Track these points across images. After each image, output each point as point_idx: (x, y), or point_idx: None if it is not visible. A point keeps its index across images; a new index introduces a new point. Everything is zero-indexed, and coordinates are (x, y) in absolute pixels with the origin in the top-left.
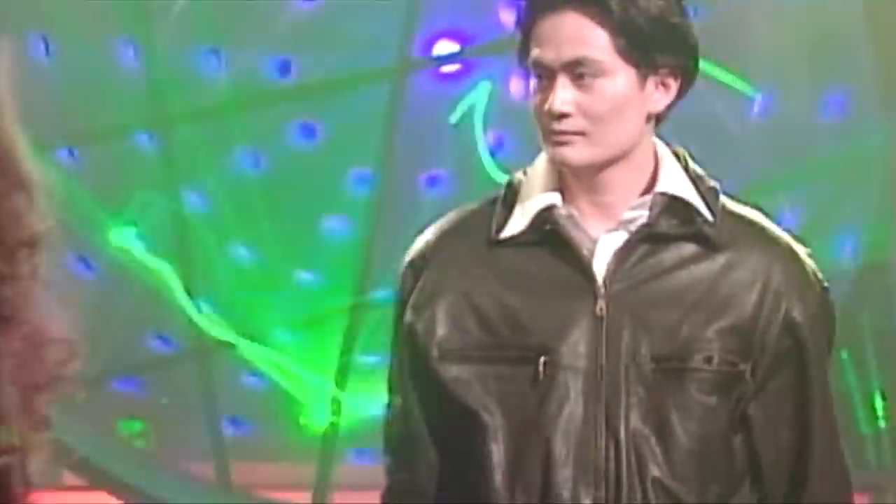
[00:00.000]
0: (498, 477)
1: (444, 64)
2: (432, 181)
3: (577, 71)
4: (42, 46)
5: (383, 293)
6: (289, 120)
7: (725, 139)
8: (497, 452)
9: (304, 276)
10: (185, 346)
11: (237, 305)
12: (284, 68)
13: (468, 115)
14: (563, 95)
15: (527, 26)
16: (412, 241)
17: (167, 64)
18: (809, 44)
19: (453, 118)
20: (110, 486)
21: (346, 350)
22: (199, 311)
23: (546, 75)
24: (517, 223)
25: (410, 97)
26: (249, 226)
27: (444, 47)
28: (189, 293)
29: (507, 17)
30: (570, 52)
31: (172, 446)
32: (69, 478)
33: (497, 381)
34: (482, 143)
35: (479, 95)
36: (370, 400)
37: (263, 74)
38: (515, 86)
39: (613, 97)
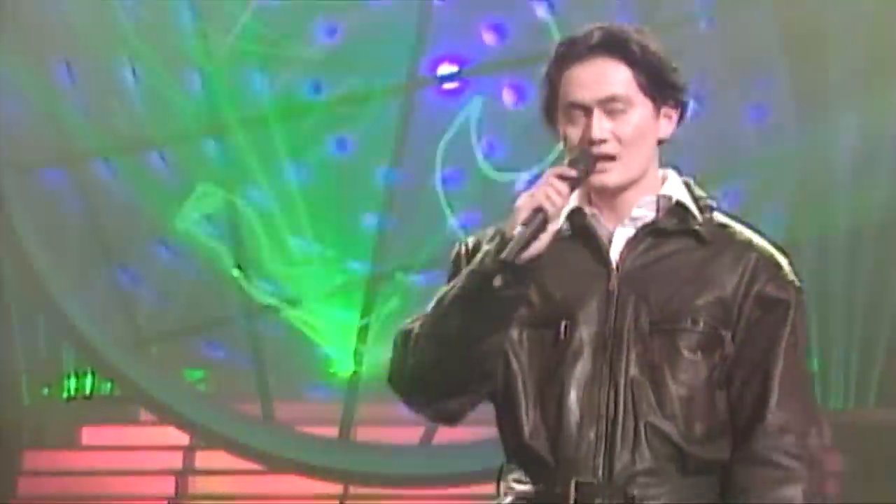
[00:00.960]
0: (523, 410)
1: (445, 82)
2: (443, 179)
3: (609, 106)
4: (130, 70)
5: (394, 268)
6: (324, 133)
7: (674, 143)
8: (523, 393)
9: (329, 252)
10: (236, 309)
11: (279, 277)
12: (317, 87)
13: (465, 123)
14: (602, 125)
15: (556, 77)
16: (422, 225)
17: (223, 82)
18: (736, 65)
19: (449, 132)
20: (177, 421)
21: (365, 313)
22: (248, 281)
23: (583, 113)
24: (561, 220)
25: (419, 109)
26: (289, 214)
27: (445, 68)
28: (240, 267)
29: (491, 39)
30: (604, 91)
31: (227, 390)
32: (144, 414)
33: (528, 340)
34: (477, 147)
35: (473, 108)
36: (385, 353)
37: (300, 92)
38: (507, 96)
39: (638, 125)
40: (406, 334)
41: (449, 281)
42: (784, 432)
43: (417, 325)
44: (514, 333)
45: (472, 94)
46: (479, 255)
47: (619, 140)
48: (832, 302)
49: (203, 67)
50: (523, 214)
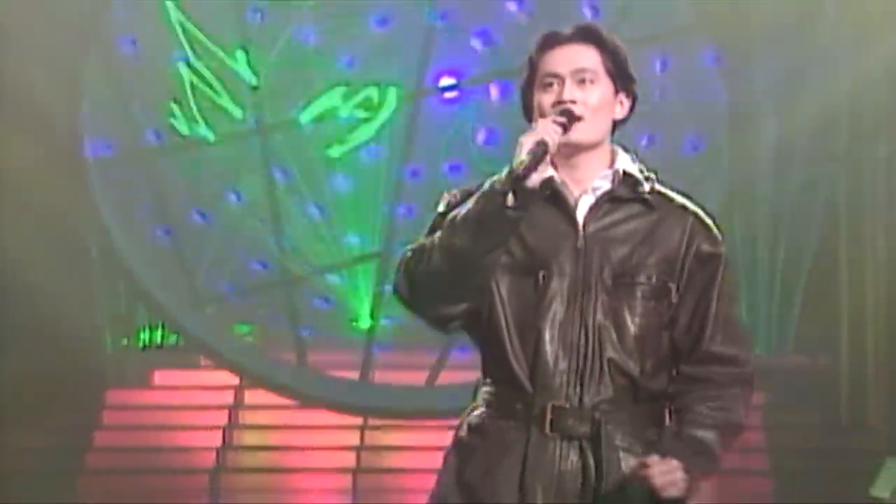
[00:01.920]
0: (507, 344)
1: (446, 91)
2: (452, 168)
3: (579, 76)
4: (189, 83)
5: (403, 244)
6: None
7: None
8: (505, 329)
9: (352, 238)
10: (275, 276)
11: (311, 252)
12: (343, 97)
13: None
14: (572, 91)
15: (537, 58)
16: (428, 207)
17: (266, 93)
18: (675, 99)
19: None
20: (229, 366)
21: (379, 280)
22: (285, 253)
23: (557, 82)
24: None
25: (424, 115)
26: (319, 200)
27: (445, 80)
28: (280, 243)
29: (479, 46)
30: (575, 63)
31: (269, 341)
32: (203, 361)
33: (510, 285)
34: (474, 143)
35: (470, 112)
36: (395, 313)
37: (333, 108)
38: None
39: (601, 97)
40: (418, 248)
41: (432, 227)
42: (717, 358)
43: (429, 241)
44: (499, 279)
45: (467, 100)
46: (487, 183)
47: (586, 105)
48: (759, 267)
49: (249, 81)
50: (529, 145)
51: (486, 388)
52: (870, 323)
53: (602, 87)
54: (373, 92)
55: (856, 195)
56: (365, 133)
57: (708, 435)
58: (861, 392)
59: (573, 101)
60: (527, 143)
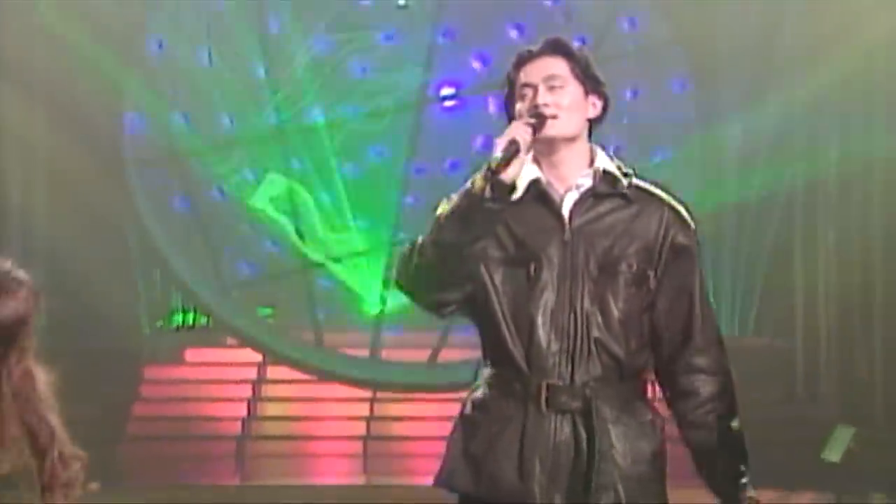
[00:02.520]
0: (503, 329)
1: (446, 100)
2: (453, 166)
3: (550, 83)
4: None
5: (409, 235)
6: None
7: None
8: (502, 315)
9: (362, 223)
10: (295, 265)
11: (326, 241)
12: (356, 109)
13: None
14: (543, 95)
15: (514, 74)
16: (431, 200)
17: (289, 104)
18: (649, 114)
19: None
20: (253, 345)
21: (388, 267)
22: (304, 244)
23: (532, 91)
24: (520, 190)
25: (427, 121)
26: (334, 196)
27: (446, 90)
28: (298, 234)
29: (478, 66)
30: (546, 72)
31: (289, 322)
32: (230, 340)
33: (504, 276)
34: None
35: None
36: (401, 297)
37: (343, 110)
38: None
39: (571, 99)
40: (414, 244)
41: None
42: (707, 348)
43: (421, 238)
44: (493, 271)
45: (466, 109)
46: (469, 181)
47: (558, 106)
48: (724, 259)
49: (274, 95)
50: (503, 145)
51: (486, 370)
52: (822, 307)
53: (572, 91)
54: (382, 99)
55: (810, 195)
56: (375, 134)
57: (738, 459)
58: (814, 369)
59: (545, 105)
60: (500, 143)
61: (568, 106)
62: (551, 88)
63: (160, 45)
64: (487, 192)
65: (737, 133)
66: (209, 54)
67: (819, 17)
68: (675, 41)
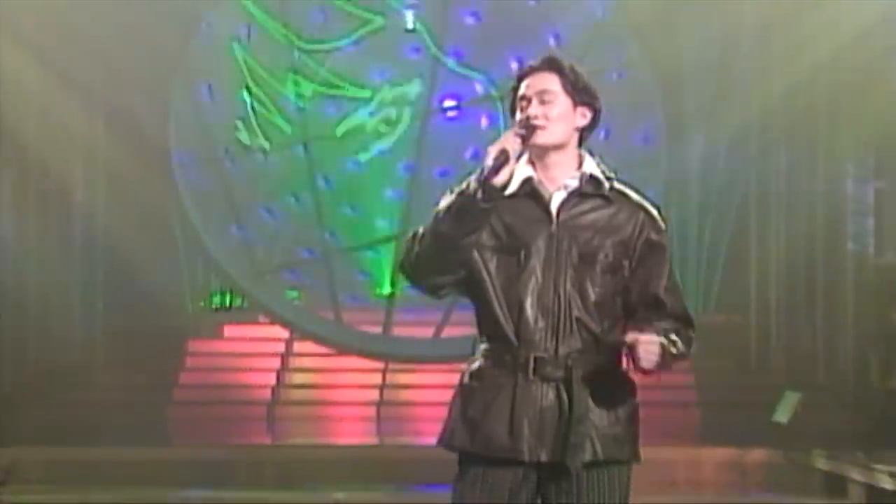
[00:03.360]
0: (496, 308)
1: (448, 111)
2: (443, 171)
3: (542, 97)
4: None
5: (413, 226)
6: (371, 142)
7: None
8: (495, 296)
9: (376, 222)
10: (318, 253)
11: (344, 232)
12: (371, 114)
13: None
14: (535, 108)
15: (517, 85)
16: (434, 198)
17: (310, 110)
18: (625, 103)
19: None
20: (282, 322)
21: (396, 255)
22: (324, 234)
23: (527, 102)
24: (514, 186)
25: (431, 129)
26: (349, 193)
27: (448, 103)
28: (319, 227)
29: (480, 87)
30: (539, 87)
31: (312, 303)
32: (262, 318)
33: (497, 262)
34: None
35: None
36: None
37: (357, 117)
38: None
39: (560, 111)
40: (415, 234)
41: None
42: (675, 311)
43: (422, 228)
44: (488, 258)
45: (466, 120)
46: (464, 183)
47: (547, 117)
48: (689, 246)
49: (297, 103)
50: (494, 154)
51: (482, 345)
52: (772, 290)
53: (560, 103)
54: (392, 111)
55: (763, 191)
56: (386, 142)
57: (674, 337)
58: (765, 342)
59: (535, 116)
60: (492, 151)
61: (555, 117)
62: (543, 101)
63: (201, 70)
64: (479, 195)
65: (699, 139)
66: (242, 75)
67: (770, 42)
68: (649, 62)
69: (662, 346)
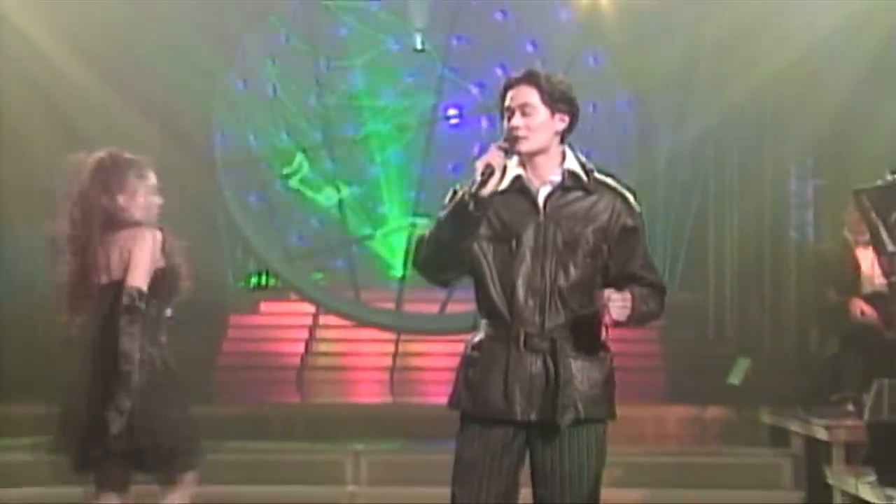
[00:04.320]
0: (491, 289)
1: (451, 119)
2: (450, 169)
3: (524, 109)
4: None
5: (425, 218)
6: (386, 145)
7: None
8: (491, 279)
9: (390, 213)
10: (340, 240)
11: (363, 222)
12: (384, 121)
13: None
14: (517, 119)
15: (503, 94)
16: (440, 193)
17: (333, 119)
18: (603, 123)
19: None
20: (309, 300)
21: (408, 242)
22: (346, 224)
23: (511, 113)
24: (506, 182)
25: (437, 134)
26: (368, 189)
27: (451, 111)
28: (344, 218)
29: (478, 96)
30: (520, 100)
31: (335, 283)
32: (293, 296)
33: (492, 249)
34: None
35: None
36: None
37: (378, 128)
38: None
39: (539, 121)
40: (422, 237)
41: (448, 202)
42: (650, 283)
43: (427, 232)
44: (486, 247)
45: (468, 126)
46: (459, 193)
47: (528, 128)
48: (657, 236)
49: (322, 111)
50: (481, 168)
51: (481, 321)
52: (727, 273)
53: (539, 114)
54: (404, 119)
55: (719, 189)
56: (399, 145)
57: (645, 297)
58: (721, 317)
59: (517, 128)
60: (479, 166)
61: (535, 127)
62: (524, 114)
63: (239, 79)
64: (471, 206)
65: (665, 141)
66: (274, 88)
67: (724, 61)
68: (623, 72)
69: (633, 300)
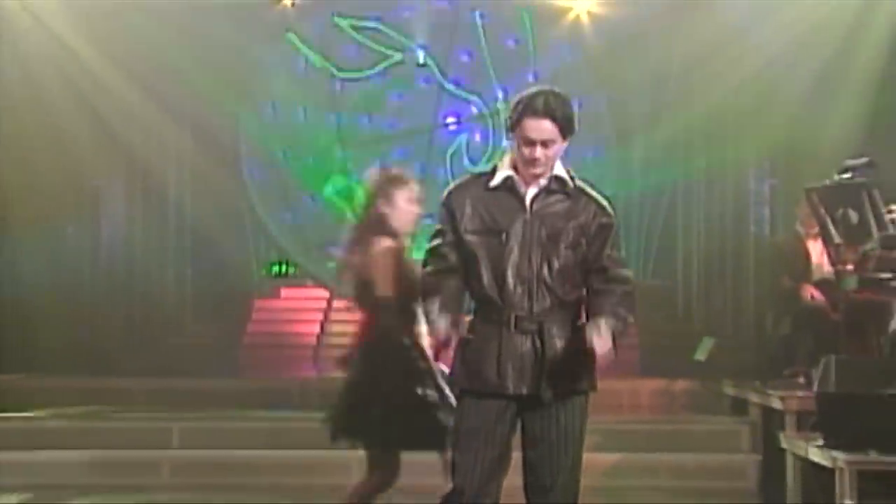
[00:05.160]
0: (484, 278)
1: (449, 126)
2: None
3: (544, 141)
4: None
5: (431, 218)
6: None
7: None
8: (484, 269)
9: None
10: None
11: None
12: (391, 125)
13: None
14: (539, 152)
15: (518, 120)
16: (437, 194)
17: (345, 123)
18: (582, 128)
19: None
20: (324, 285)
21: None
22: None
23: (532, 143)
24: (497, 181)
25: (436, 138)
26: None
27: (449, 119)
28: (354, 213)
29: (475, 108)
30: (543, 136)
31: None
32: (309, 282)
33: (485, 242)
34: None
35: (461, 141)
36: (419, 255)
37: (382, 129)
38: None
39: (556, 151)
40: (425, 265)
41: (438, 231)
42: (618, 274)
43: (428, 268)
44: (477, 241)
45: (461, 131)
46: (431, 320)
47: (546, 157)
48: (632, 231)
49: (337, 115)
50: (431, 342)
51: (476, 307)
52: (694, 262)
53: (557, 145)
54: (407, 125)
55: (687, 188)
56: (403, 148)
57: (619, 318)
58: (689, 301)
59: (538, 159)
60: (431, 343)
61: (552, 155)
62: (545, 146)
63: (267, 98)
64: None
65: (640, 145)
66: (304, 111)
67: (691, 75)
68: (602, 80)
69: (613, 331)
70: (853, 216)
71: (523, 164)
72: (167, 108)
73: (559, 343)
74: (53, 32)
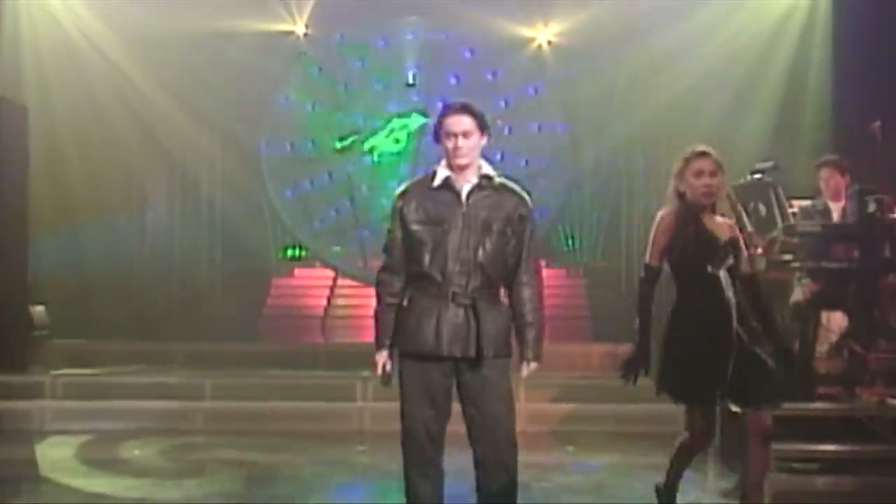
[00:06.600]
0: (427, 259)
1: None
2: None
3: (464, 133)
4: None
5: None
6: (391, 148)
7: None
8: (427, 254)
9: (386, 203)
10: (351, 222)
11: (369, 209)
12: (386, 135)
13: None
14: (462, 141)
15: (441, 120)
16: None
17: (350, 129)
18: (544, 142)
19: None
20: (331, 267)
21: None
22: (357, 210)
23: (453, 136)
24: (438, 181)
25: (424, 144)
26: (371, 181)
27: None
28: (356, 206)
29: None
30: (462, 127)
31: (349, 255)
32: (317, 264)
33: (429, 230)
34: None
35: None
36: None
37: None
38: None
39: (475, 143)
40: (379, 284)
41: (390, 231)
42: (528, 271)
43: (382, 264)
44: (422, 230)
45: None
46: (378, 345)
47: (468, 148)
48: (585, 221)
49: (342, 125)
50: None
51: (415, 283)
52: (635, 246)
53: (475, 137)
54: (399, 134)
55: (629, 187)
56: (396, 152)
57: (535, 353)
58: (631, 278)
59: (461, 148)
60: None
61: (472, 146)
62: (465, 136)
63: (283, 94)
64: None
65: (590, 153)
66: (313, 106)
67: (633, 92)
68: (558, 99)
69: (534, 355)
70: (762, 209)
71: (450, 158)
72: (201, 120)
73: (487, 314)
74: (111, 59)
